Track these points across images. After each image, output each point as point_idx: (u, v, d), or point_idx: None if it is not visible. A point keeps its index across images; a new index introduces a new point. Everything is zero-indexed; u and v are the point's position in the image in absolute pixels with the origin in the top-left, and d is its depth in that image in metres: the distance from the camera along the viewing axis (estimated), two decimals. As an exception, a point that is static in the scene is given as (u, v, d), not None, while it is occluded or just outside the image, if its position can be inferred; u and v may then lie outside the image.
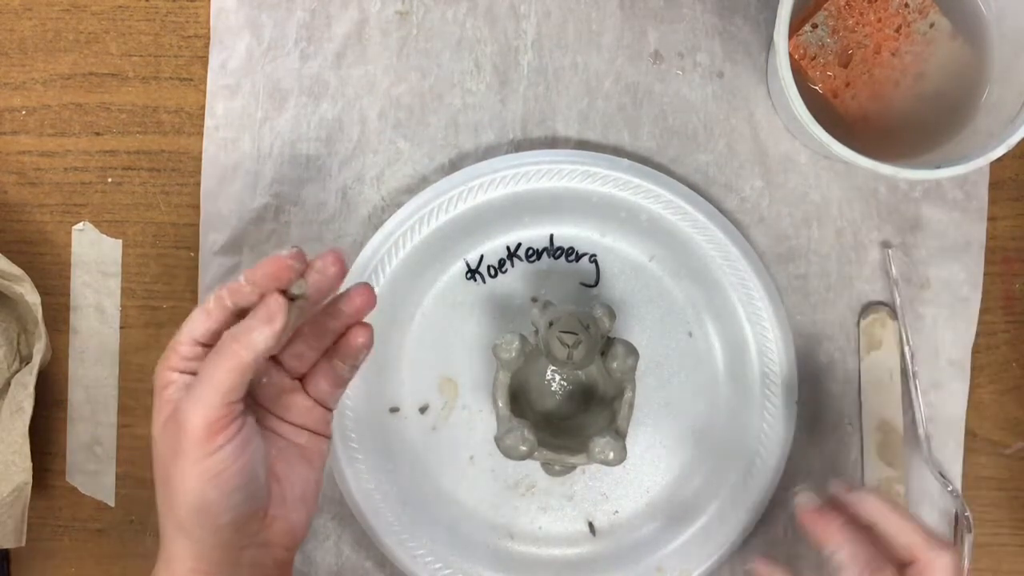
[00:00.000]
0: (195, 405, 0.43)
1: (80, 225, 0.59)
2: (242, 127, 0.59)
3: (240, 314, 0.44)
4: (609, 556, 0.58)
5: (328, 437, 0.51)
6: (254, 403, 0.48)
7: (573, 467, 0.56)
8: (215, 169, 0.59)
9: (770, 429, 0.57)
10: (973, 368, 0.60)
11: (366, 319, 0.48)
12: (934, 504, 0.59)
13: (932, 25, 0.55)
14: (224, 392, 0.43)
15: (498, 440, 0.53)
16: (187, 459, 0.44)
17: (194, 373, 0.45)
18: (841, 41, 0.55)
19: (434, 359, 0.59)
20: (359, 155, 0.59)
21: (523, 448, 0.52)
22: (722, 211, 0.59)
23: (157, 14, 0.59)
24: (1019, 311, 0.60)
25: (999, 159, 0.51)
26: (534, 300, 0.59)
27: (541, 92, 0.59)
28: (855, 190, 0.59)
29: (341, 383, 0.49)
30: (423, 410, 0.59)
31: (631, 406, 0.54)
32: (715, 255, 0.57)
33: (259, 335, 0.42)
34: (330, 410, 0.50)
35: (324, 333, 0.48)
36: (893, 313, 0.59)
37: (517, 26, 0.59)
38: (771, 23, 0.58)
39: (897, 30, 0.55)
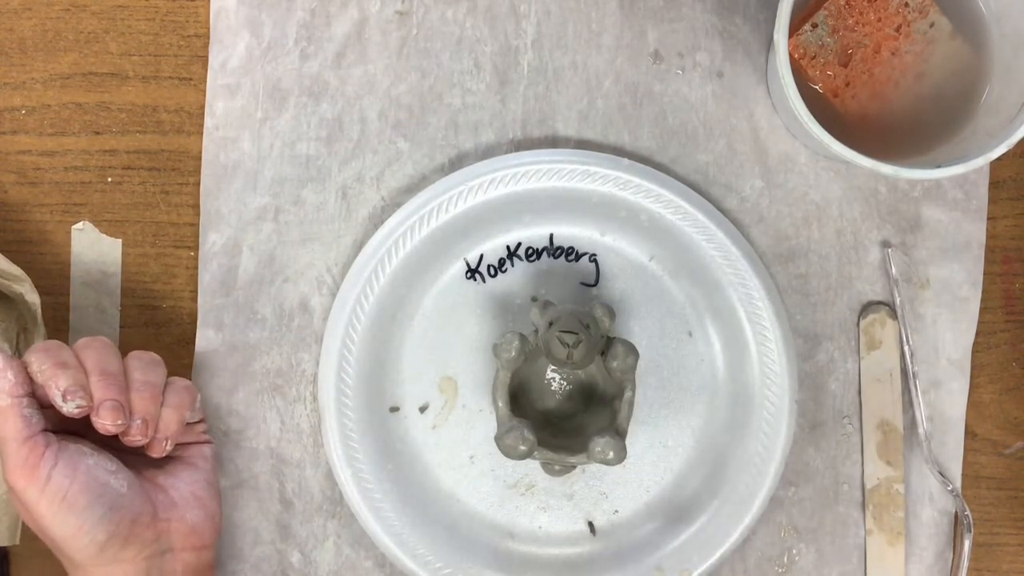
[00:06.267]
0: (6, 461, 0.48)
1: (80, 225, 0.59)
2: (242, 127, 0.59)
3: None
4: (609, 556, 0.58)
5: (207, 443, 0.56)
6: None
7: (573, 467, 0.56)
8: (215, 169, 0.59)
9: (770, 429, 0.57)
10: (973, 368, 0.60)
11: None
12: (934, 504, 0.59)
13: (932, 25, 0.55)
14: (13, 436, 0.48)
15: (498, 440, 0.53)
16: (32, 501, 0.48)
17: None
18: (841, 40, 0.55)
19: (434, 359, 0.59)
20: (359, 155, 0.59)
21: (523, 448, 0.52)
22: (722, 211, 0.59)
23: (157, 14, 0.59)
24: (1019, 311, 0.60)
25: (999, 159, 0.51)
26: (534, 300, 0.59)
27: (541, 92, 0.59)
28: (855, 190, 0.59)
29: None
30: (423, 410, 0.59)
31: (631, 406, 0.54)
32: (715, 255, 0.57)
33: None
34: (197, 421, 0.55)
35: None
36: (893, 313, 0.59)
37: (517, 26, 0.59)
38: (771, 23, 0.58)
39: (897, 29, 0.55)
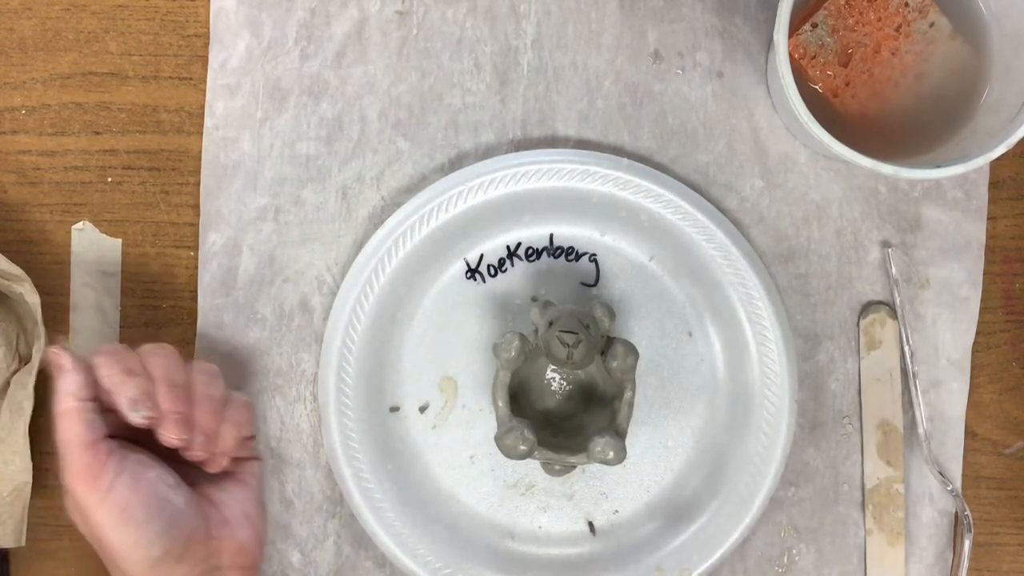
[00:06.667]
0: (67, 465, 0.47)
1: (80, 225, 0.59)
2: (242, 127, 0.59)
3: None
4: (609, 556, 0.58)
5: (256, 459, 0.55)
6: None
7: (573, 467, 0.56)
8: (215, 169, 0.59)
9: (770, 429, 0.57)
10: (973, 368, 0.60)
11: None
12: (934, 504, 0.59)
13: (932, 25, 0.55)
14: (77, 441, 0.47)
15: (498, 440, 0.53)
16: (91, 508, 0.47)
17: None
18: (841, 40, 0.55)
19: (434, 359, 0.59)
20: (359, 155, 0.59)
21: (523, 448, 0.52)
22: (722, 211, 0.59)
23: (157, 13, 0.59)
24: (1019, 311, 0.60)
25: (999, 159, 0.51)
26: (534, 300, 0.59)
27: (541, 92, 0.59)
28: (855, 190, 0.59)
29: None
30: (423, 410, 0.59)
31: (631, 406, 0.54)
32: (715, 255, 0.57)
33: (62, 383, 0.48)
34: (250, 437, 0.54)
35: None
36: (893, 313, 0.59)
37: (517, 26, 0.59)
38: (771, 23, 0.58)
39: (897, 29, 0.55)
